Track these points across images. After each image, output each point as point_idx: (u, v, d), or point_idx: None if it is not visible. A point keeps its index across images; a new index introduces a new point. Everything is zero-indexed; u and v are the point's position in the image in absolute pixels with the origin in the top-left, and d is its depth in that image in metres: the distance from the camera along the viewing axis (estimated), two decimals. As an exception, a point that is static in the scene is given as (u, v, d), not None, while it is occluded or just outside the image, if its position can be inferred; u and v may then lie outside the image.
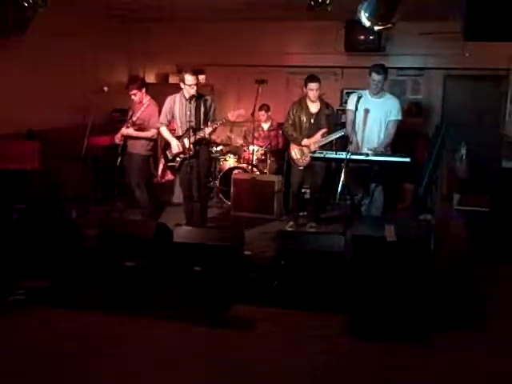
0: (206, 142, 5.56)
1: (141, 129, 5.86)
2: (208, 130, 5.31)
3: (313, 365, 3.36)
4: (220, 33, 8.15)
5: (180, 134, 5.48)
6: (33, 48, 6.23)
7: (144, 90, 5.86)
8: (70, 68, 6.90)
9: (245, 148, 7.28)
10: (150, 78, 9.09)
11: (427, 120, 7.92)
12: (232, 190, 6.79)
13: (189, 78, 5.27)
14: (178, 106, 5.44)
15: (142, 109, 5.84)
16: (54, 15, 5.68)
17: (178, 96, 5.47)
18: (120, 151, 5.94)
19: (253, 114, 6.94)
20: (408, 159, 4.87)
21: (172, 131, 5.62)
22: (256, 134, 7.21)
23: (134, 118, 5.83)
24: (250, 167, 7.01)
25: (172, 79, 9.48)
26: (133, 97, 5.84)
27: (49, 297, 4.26)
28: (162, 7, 7.12)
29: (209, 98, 5.50)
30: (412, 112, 7.82)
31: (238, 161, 7.25)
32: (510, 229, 5.45)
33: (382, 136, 5.35)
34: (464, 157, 6.90)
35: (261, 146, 7.22)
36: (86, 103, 6.09)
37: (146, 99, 5.90)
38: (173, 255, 4.43)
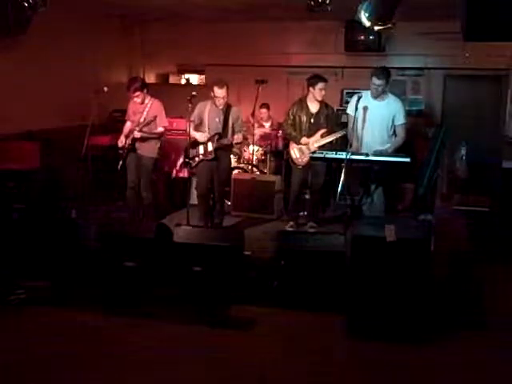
0: (230, 149, 5.84)
1: (149, 129, 5.83)
2: (225, 140, 5.57)
3: (312, 365, 3.37)
4: (220, 33, 8.16)
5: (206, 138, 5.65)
6: (33, 48, 6.23)
7: (145, 91, 5.84)
8: (70, 68, 6.90)
9: (245, 148, 7.28)
10: (150, 78, 9.10)
11: (427, 120, 7.92)
12: (232, 189, 6.78)
13: (218, 91, 5.48)
14: (207, 112, 5.64)
15: (147, 109, 5.82)
16: (54, 15, 5.68)
17: (209, 103, 5.65)
18: (125, 154, 5.90)
19: (253, 114, 6.94)
20: (408, 159, 4.86)
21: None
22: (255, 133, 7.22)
23: (142, 120, 5.78)
24: (250, 167, 7.01)
25: (172, 79, 9.49)
26: (135, 99, 5.81)
27: (49, 296, 4.27)
28: (162, 7, 7.12)
29: (237, 109, 5.75)
30: (412, 112, 7.82)
31: (238, 161, 7.25)
32: (510, 229, 5.45)
33: (385, 137, 5.29)
34: (464, 157, 6.90)
35: (261, 146, 7.21)
36: (86, 103, 6.09)
37: (148, 98, 5.88)
38: (173, 255, 4.43)
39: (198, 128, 5.72)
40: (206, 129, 5.66)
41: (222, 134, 5.59)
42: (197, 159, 5.69)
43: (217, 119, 5.63)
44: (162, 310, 4.05)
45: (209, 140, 5.60)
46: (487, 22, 4.17)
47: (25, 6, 4.90)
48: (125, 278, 4.41)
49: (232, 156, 7.29)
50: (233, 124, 5.66)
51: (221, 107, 5.59)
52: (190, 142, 5.66)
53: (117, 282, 4.40)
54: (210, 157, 5.59)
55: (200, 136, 5.64)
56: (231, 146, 5.86)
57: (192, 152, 5.71)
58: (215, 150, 5.57)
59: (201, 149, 5.65)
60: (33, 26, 5.87)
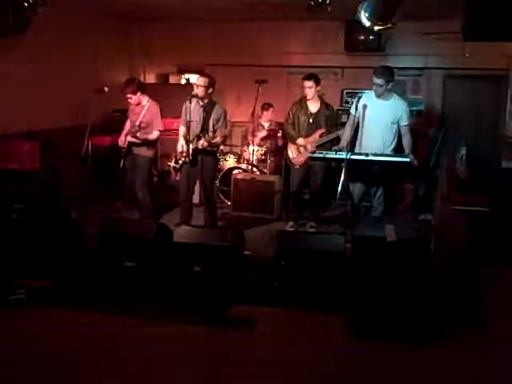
0: (211, 151, 5.56)
1: (145, 132, 5.83)
2: (202, 141, 5.35)
3: (313, 365, 3.37)
4: (220, 33, 8.16)
5: (191, 138, 5.44)
6: (33, 48, 6.23)
7: (139, 94, 5.82)
8: (70, 68, 6.90)
9: (244, 148, 7.28)
10: (150, 78, 9.10)
11: (427, 120, 7.91)
12: (232, 190, 6.79)
13: (198, 80, 5.39)
14: (189, 112, 5.36)
15: (144, 111, 5.82)
16: (54, 15, 5.68)
17: (194, 101, 5.45)
18: (124, 154, 5.88)
19: (253, 114, 6.94)
20: (408, 159, 4.86)
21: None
22: (257, 134, 7.22)
23: (137, 123, 5.77)
24: (250, 167, 7.01)
25: (172, 79, 9.49)
26: (129, 100, 5.83)
27: (49, 296, 4.27)
28: (162, 7, 7.12)
29: (220, 108, 5.53)
30: (412, 112, 7.81)
31: (238, 161, 7.26)
32: (509, 229, 5.45)
33: (387, 138, 5.26)
34: (464, 157, 6.91)
35: (261, 146, 7.22)
36: (86, 103, 6.09)
37: (145, 101, 5.87)
38: (173, 255, 4.43)
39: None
40: (192, 127, 5.39)
41: (200, 136, 5.38)
42: (180, 162, 5.54)
43: (198, 118, 5.43)
44: (161, 310, 4.05)
45: (189, 142, 5.37)
46: (487, 22, 4.17)
47: (25, 5, 4.90)
48: (125, 278, 4.42)
49: (232, 156, 7.35)
50: (214, 125, 5.44)
51: (201, 101, 5.37)
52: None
53: (117, 281, 4.41)
54: (187, 160, 5.37)
55: (181, 139, 5.53)
56: (214, 147, 5.55)
57: (178, 155, 5.58)
58: (193, 152, 5.37)
59: (182, 148, 5.48)
60: (33, 26, 5.87)
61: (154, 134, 5.84)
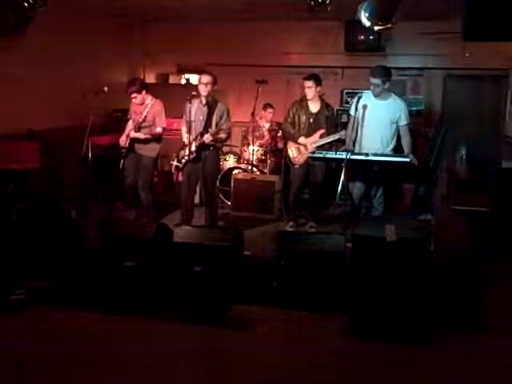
0: (215, 148, 5.61)
1: (149, 130, 5.82)
2: (206, 136, 5.38)
3: (313, 365, 3.36)
4: (220, 33, 8.16)
5: (193, 136, 5.49)
6: (33, 48, 6.23)
7: (144, 92, 5.83)
8: (70, 68, 6.90)
9: (244, 148, 7.28)
10: (150, 78, 9.09)
11: (427, 120, 7.91)
12: (232, 190, 6.79)
13: (202, 78, 5.43)
14: (193, 111, 5.46)
15: (147, 109, 5.82)
16: (53, 15, 5.68)
17: (196, 101, 5.50)
18: (124, 154, 5.90)
19: (253, 114, 6.94)
20: (408, 159, 4.86)
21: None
22: (257, 134, 7.22)
23: (141, 120, 5.78)
24: (250, 167, 7.01)
25: (172, 79, 9.49)
26: (133, 100, 5.83)
27: (49, 296, 4.27)
28: (162, 7, 7.12)
29: (223, 106, 5.57)
30: (412, 112, 7.81)
31: (238, 161, 7.26)
32: (509, 229, 5.45)
33: (386, 137, 5.25)
34: (464, 157, 6.90)
35: (261, 146, 7.22)
36: (86, 103, 6.09)
37: (149, 99, 5.88)
38: (173, 255, 4.43)
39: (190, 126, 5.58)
40: (193, 126, 5.47)
41: (204, 133, 5.43)
42: (183, 161, 5.57)
43: (201, 117, 5.48)
44: (162, 309, 4.05)
45: (193, 140, 5.45)
46: (487, 22, 4.17)
47: (25, 5, 4.90)
48: (125, 278, 4.42)
49: (232, 156, 7.35)
50: (217, 122, 5.48)
51: (204, 98, 5.41)
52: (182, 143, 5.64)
53: (117, 281, 4.41)
54: (192, 156, 5.45)
55: (185, 137, 5.55)
56: (216, 144, 5.61)
57: (181, 154, 5.61)
58: (197, 149, 5.44)
59: (186, 150, 5.51)
60: (33, 26, 5.87)
61: (157, 131, 5.85)
